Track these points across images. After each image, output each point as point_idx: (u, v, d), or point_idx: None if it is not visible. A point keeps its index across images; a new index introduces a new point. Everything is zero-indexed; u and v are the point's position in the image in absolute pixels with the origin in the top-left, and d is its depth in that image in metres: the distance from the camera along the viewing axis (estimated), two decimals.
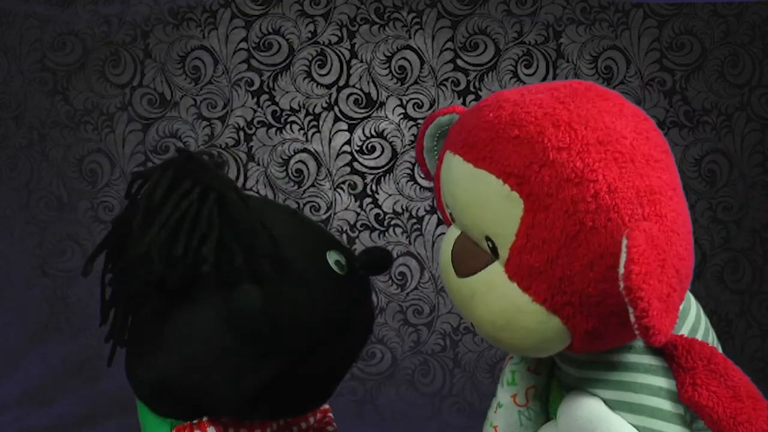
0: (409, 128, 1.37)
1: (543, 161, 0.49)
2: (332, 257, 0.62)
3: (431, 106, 1.36)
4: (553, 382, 0.63)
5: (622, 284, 0.46)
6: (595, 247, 0.48)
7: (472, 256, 0.54)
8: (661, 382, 0.55)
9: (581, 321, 0.50)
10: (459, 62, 1.36)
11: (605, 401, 0.55)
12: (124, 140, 1.36)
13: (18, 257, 1.34)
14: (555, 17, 1.35)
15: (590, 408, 0.54)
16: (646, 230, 0.47)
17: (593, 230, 0.48)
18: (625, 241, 0.47)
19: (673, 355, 0.54)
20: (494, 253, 0.53)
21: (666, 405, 0.54)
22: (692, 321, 0.59)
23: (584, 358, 0.57)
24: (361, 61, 1.36)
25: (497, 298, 0.52)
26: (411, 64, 1.36)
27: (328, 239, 0.66)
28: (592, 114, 0.51)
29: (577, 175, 0.49)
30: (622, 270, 0.46)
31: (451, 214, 0.58)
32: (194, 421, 0.60)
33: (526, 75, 1.35)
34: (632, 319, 0.46)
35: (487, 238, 0.53)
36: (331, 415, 0.72)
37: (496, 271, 0.53)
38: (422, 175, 0.59)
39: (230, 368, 0.57)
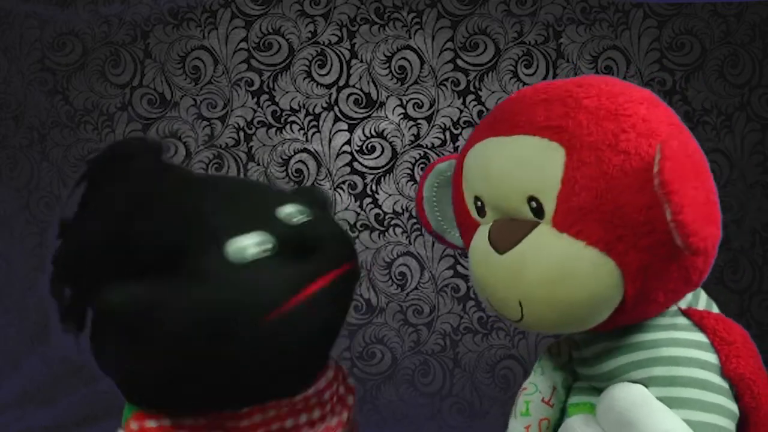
0: (409, 128, 1.37)
1: (576, 108, 0.53)
2: (251, 239, 0.54)
3: (431, 106, 1.36)
4: (573, 412, 0.63)
5: (656, 181, 0.47)
6: (641, 173, 0.50)
7: (512, 230, 0.55)
8: (708, 356, 0.56)
9: (634, 257, 0.51)
10: (459, 62, 1.36)
11: (652, 379, 0.55)
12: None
13: (18, 257, 1.34)
14: (555, 17, 1.35)
15: (632, 393, 0.54)
16: (680, 139, 0.50)
17: (637, 156, 0.51)
18: (659, 146, 0.49)
19: (716, 330, 0.56)
20: (538, 214, 0.54)
21: (715, 378, 0.55)
22: (705, 297, 0.61)
23: (628, 342, 0.57)
24: (361, 61, 1.36)
25: (549, 254, 0.53)
26: (411, 64, 1.36)
27: (252, 216, 0.57)
28: (605, 80, 0.56)
29: (612, 113, 0.52)
30: (656, 168, 0.48)
31: (480, 208, 0.59)
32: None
33: (526, 75, 1.35)
34: (669, 217, 0.47)
35: (531, 199, 0.54)
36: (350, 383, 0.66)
37: (542, 231, 0.53)
38: (423, 227, 0.60)
39: (127, 364, 0.56)
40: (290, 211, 0.59)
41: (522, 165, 0.54)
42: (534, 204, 0.54)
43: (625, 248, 0.51)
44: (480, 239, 0.58)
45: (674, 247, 0.50)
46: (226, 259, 0.53)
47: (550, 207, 0.53)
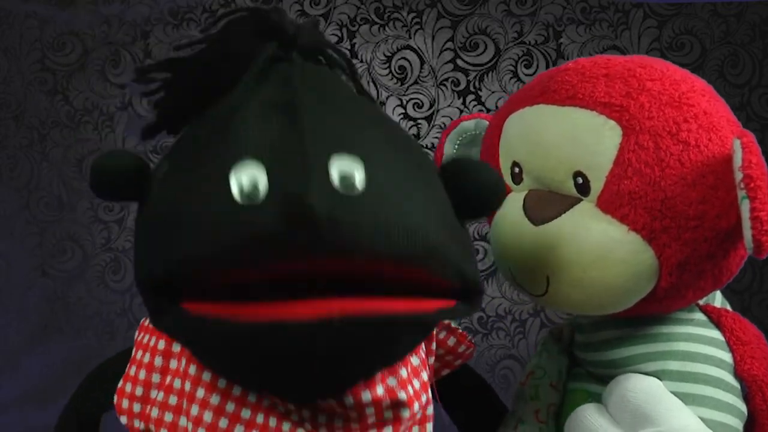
0: (409, 128, 1.36)
1: (639, 89, 0.51)
2: (240, 177, 0.40)
3: (431, 106, 1.36)
4: (569, 397, 0.62)
5: (740, 175, 0.46)
6: (698, 166, 0.49)
7: (551, 203, 0.54)
8: (723, 355, 0.56)
9: (675, 250, 0.50)
10: (459, 62, 1.36)
11: (665, 373, 0.55)
12: (124, 140, 1.35)
13: (18, 257, 1.34)
14: (555, 17, 1.35)
15: (649, 386, 0.53)
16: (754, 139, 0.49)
17: (697, 148, 0.50)
18: (738, 142, 0.48)
19: (733, 329, 0.56)
20: (582, 191, 0.52)
21: (728, 377, 0.55)
22: (721, 295, 0.60)
23: (641, 332, 0.57)
24: (361, 61, 1.36)
25: (589, 233, 0.51)
26: (411, 64, 1.36)
27: (249, 145, 0.42)
28: (665, 64, 0.55)
29: (675, 100, 0.51)
30: (739, 162, 0.47)
31: (517, 175, 0.57)
32: None
33: (526, 75, 1.35)
34: (746, 214, 0.46)
35: (577, 174, 0.52)
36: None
37: (585, 208, 0.52)
38: None
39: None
40: (345, 170, 0.38)
41: (575, 138, 0.52)
42: (580, 180, 0.52)
43: (668, 240, 0.50)
44: (513, 206, 0.56)
45: (715, 245, 0.50)
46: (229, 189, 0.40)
47: (597, 186, 0.52)
